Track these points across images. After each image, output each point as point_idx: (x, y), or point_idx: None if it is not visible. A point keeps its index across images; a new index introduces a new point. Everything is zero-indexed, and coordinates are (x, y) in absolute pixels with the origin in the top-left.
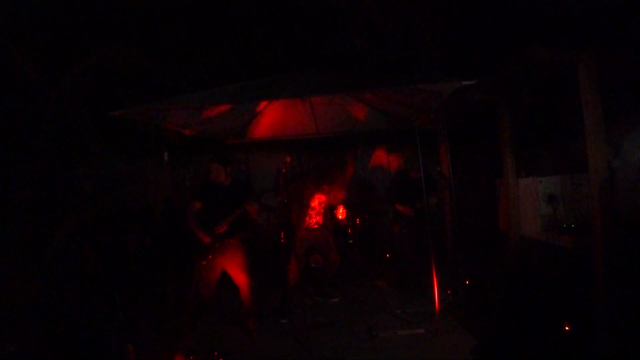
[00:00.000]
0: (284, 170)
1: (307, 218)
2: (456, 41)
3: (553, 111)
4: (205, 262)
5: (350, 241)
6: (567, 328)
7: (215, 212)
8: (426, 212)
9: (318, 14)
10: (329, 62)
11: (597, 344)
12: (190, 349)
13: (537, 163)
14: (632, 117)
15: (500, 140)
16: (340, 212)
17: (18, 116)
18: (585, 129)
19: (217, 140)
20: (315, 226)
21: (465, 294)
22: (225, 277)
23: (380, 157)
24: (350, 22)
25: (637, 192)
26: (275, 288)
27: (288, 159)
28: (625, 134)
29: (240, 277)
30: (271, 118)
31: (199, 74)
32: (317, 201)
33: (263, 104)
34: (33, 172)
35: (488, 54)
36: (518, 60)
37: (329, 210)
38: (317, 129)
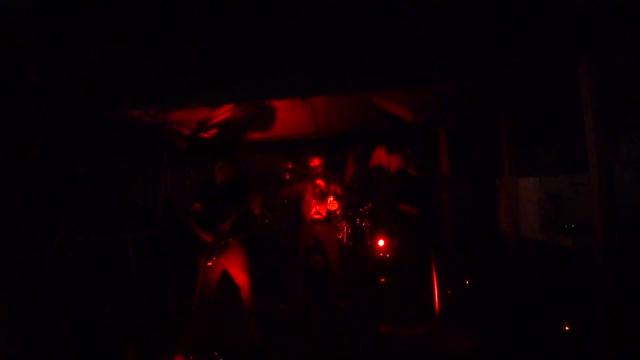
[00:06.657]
0: (287, 177)
1: (309, 208)
2: (456, 41)
3: (553, 111)
4: (210, 264)
5: (340, 236)
6: (567, 328)
7: (215, 211)
8: (430, 210)
9: (318, 13)
10: (329, 62)
11: (597, 344)
12: (190, 349)
13: (537, 163)
14: (631, 117)
15: (500, 140)
16: (330, 202)
17: (18, 116)
18: (585, 129)
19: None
20: (318, 216)
21: (465, 294)
22: (225, 277)
23: (380, 157)
24: (351, 21)
25: (636, 192)
26: (274, 289)
27: (289, 165)
28: (624, 134)
29: (241, 278)
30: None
31: (199, 74)
32: (315, 186)
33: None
34: (33, 172)
35: (488, 53)
36: (518, 59)
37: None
38: (317, 129)
